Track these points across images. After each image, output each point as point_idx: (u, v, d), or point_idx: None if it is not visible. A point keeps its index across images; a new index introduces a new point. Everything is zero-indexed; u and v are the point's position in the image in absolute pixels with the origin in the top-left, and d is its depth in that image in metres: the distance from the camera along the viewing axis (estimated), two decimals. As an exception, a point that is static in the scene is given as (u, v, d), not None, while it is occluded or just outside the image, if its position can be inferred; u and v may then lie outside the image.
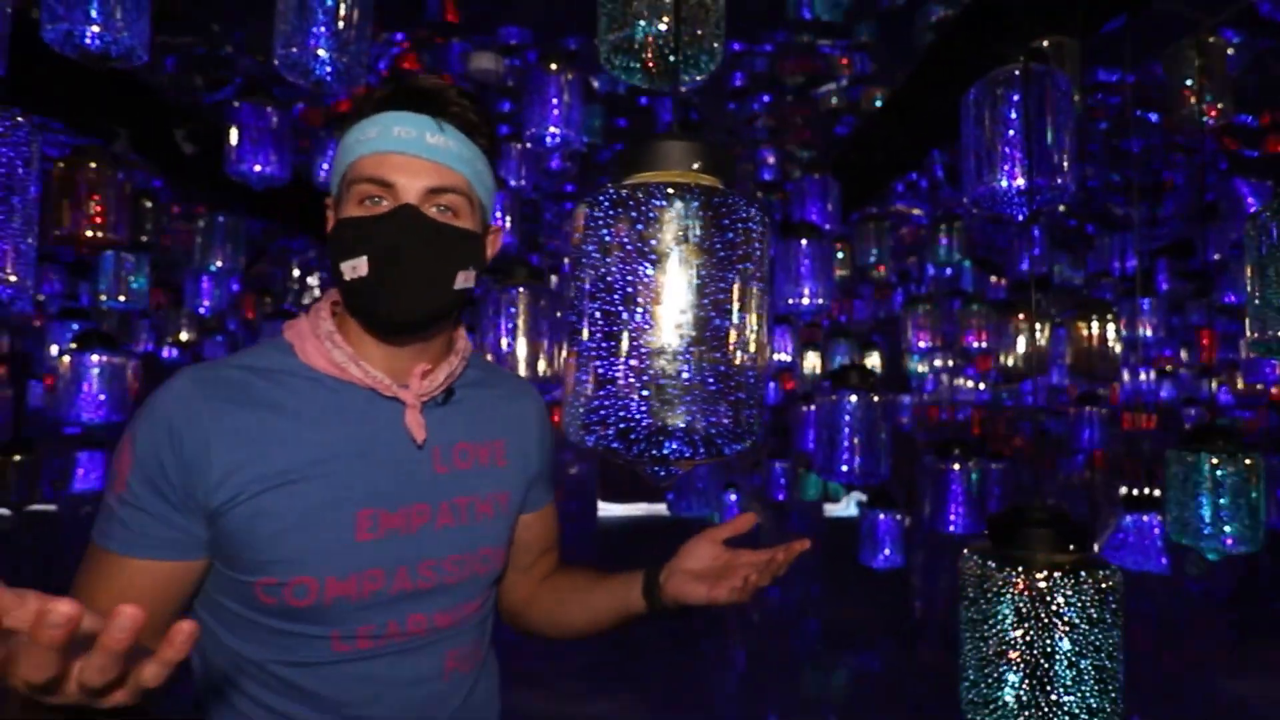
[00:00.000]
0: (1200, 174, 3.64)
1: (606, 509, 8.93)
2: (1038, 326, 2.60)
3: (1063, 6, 1.88)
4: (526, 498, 1.03)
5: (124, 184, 2.07)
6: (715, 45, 1.11)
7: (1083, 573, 0.91)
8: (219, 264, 3.12)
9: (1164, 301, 4.28)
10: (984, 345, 3.18)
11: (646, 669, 4.32)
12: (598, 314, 0.45)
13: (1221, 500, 1.69)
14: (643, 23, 1.06)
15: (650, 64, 1.07)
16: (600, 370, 0.45)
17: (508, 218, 3.07)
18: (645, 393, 0.44)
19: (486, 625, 1.01)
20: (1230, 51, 2.24)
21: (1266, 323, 1.14)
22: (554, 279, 3.80)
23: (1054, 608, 0.90)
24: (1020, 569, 0.92)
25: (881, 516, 2.80)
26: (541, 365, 1.61)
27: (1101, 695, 0.90)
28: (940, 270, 3.81)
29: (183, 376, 0.85)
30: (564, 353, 0.52)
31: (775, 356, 3.69)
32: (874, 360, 4.48)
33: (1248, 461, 1.67)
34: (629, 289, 0.45)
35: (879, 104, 3.42)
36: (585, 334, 0.46)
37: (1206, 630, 5.26)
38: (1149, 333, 3.47)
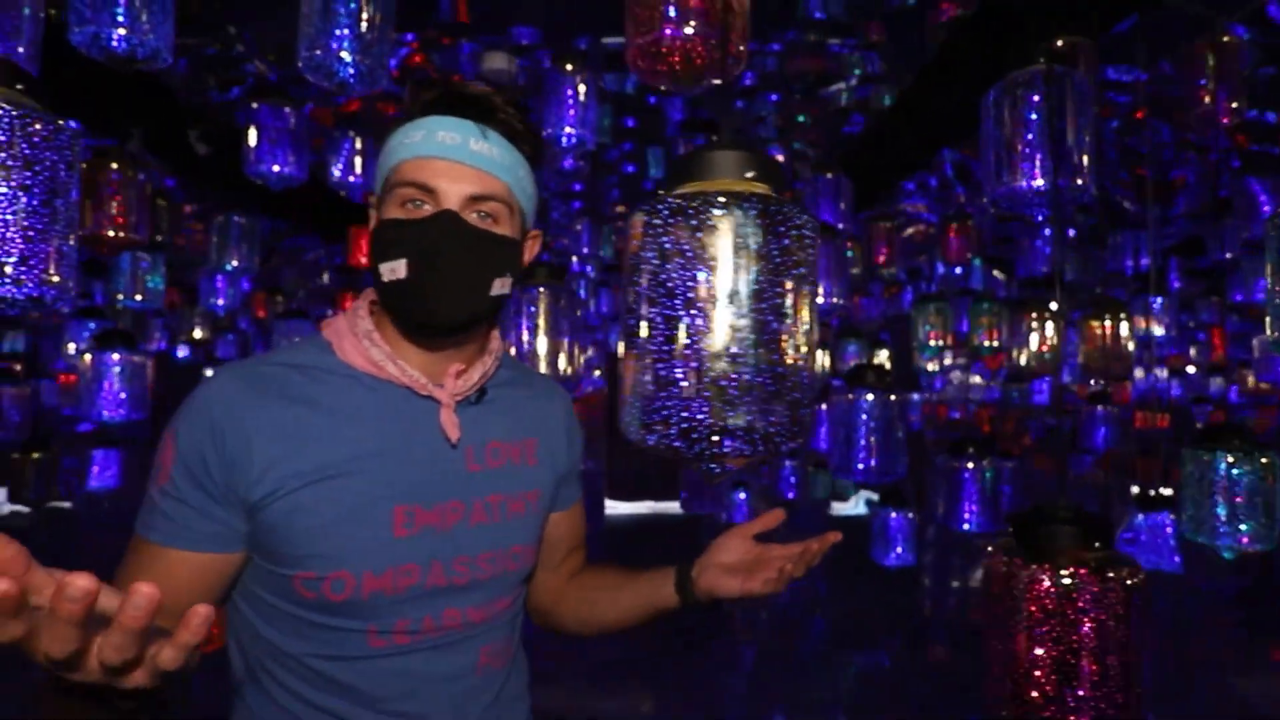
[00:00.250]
0: (1213, 172, 3.64)
1: (613, 507, 8.95)
2: (1049, 324, 2.61)
3: (1074, 6, 1.89)
4: (556, 496, 1.04)
5: (145, 184, 2.09)
6: (741, 48, 1.12)
7: (1109, 570, 0.92)
8: (234, 263, 3.14)
9: (1175, 300, 4.28)
10: (995, 343, 3.19)
11: (655, 667, 4.34)
12: (658, 318, 0.47)
13: (1237, 499, 1.70)
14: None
15: (678, 66, 1.08)
16: (662, 372, 0.46)
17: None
18: (707, 394, 0.45)
19: (517, 622, 1.02)
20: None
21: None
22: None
23: (1080, 605, 0.91)
24: (1045, 566, 0.93)
25: (893, 515, 2.81)
26: (562, 363, 1.63)
27: (1126, 692, 0.91)
28: (950, 269, 3.81)
29: (224, 373, 0.87)
30: (620, 354, 0.53)
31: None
32: (882, 358, 4.49)
33: (1264, 460, 1.68)
34: (689, 294, 0.46)
35: (888, 102, 3.42)
36: (644, 336, 0.47)
37: (1216, 629, 5.26)
38: (1160, 331, 3.47)
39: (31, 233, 0.88)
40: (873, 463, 1.79)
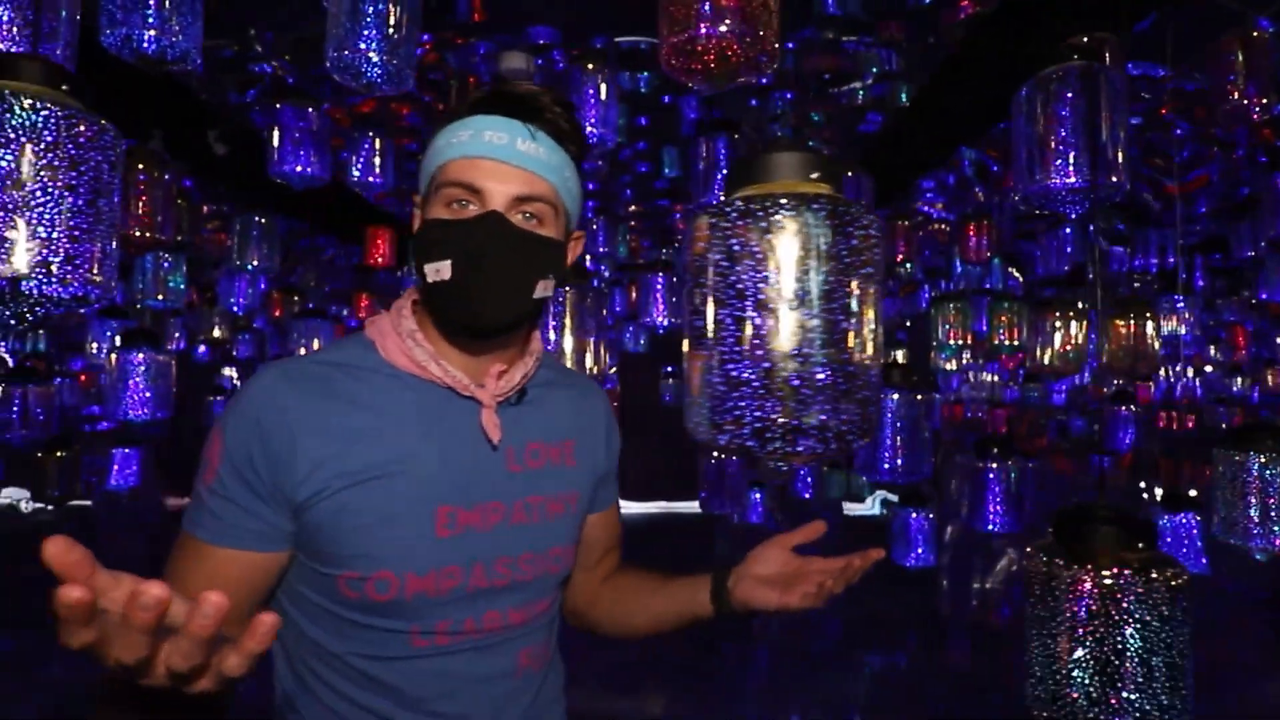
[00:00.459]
0: (1235, 169, 3.60)
1: (628, 506, 8.97)
2: (1074, 323, 2.59)
3: (1096, 3, 1.87)
4: (594, 498, 1.04)
5: (170, 185, 2.11)
6: (775, 45, 1.12)
7: (1153, 571, 0.91)
8: (255, 263, 3.16)
9: (1199, 298, 4.23)
10: (1015, 343, 3.16)
11: (670, 667, 4.33)
12: (727, 319, 0.47)
13: (1270, 499, 1.68)
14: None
15: (713, 65, 1.08)
16: (733, 372, 0.46)
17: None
18: (780, 393, 0.45)
19: (555, 625, 1.02)
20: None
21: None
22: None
23: (1124, 605, 0.91)
24: (1089, 567, 0.93)
25: (914, 515, 2.80)
26: (589, 361, 1.63)
27: (1172, 693, 0.90)
28: (969, 267, 3.79)
29: (269, 371, 0.87)
30: (685, 353, 0.53)
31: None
32: (900, 357, 4.47)
33: (1297, 460, 1.65)
34: (759, 295, 0.46)
35: (904, 100, 3.40)
36: (712, 337, 0.47)
37: (1243, 631, 5.21)
38: (1184, 331, 3.44)
39: (77, 232, 0.88)
40: (899, 462, 1.78)
